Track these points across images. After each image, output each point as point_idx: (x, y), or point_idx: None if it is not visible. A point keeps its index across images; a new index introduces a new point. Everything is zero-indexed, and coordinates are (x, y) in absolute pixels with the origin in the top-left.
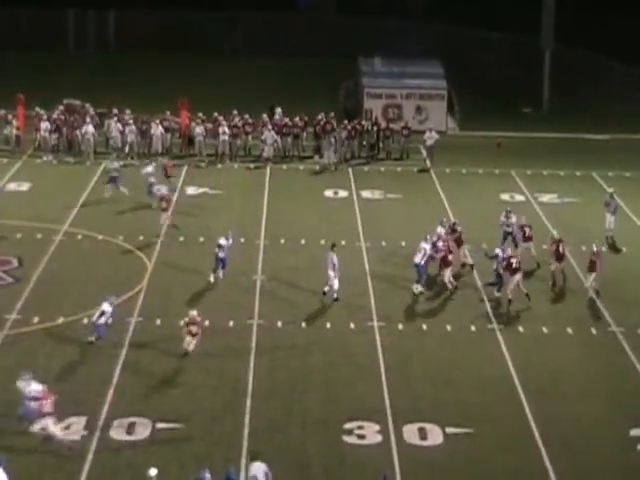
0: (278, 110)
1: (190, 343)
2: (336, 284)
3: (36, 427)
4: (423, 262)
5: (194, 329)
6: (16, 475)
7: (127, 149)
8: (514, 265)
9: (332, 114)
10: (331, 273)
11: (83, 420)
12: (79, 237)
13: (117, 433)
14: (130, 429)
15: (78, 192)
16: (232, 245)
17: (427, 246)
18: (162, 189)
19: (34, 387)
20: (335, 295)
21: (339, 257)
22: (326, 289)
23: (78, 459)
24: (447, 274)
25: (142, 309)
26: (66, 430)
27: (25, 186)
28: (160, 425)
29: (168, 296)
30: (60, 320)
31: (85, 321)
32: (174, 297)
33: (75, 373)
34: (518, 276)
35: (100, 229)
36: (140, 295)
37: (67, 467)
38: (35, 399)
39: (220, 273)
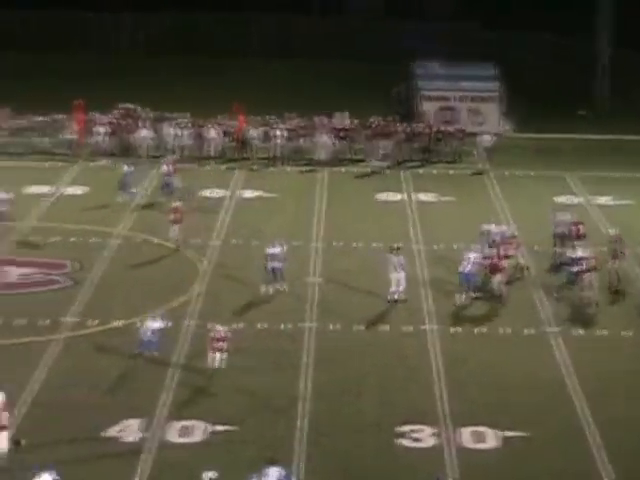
0: (345, 114)
1: (214, 359)
2: (403, 285)
3: None
4: (468, 270)
5: (220, 345)
6: (69, 479)
7: (181, 153)
8: (587, 265)
9: (390, 118)
10: (395, 276)
11: (139, 422)
12: (135, 241)
13: (172, 435)
14: (185, 431)
15: (134, 196)
16: (285, 251)
17: (472, 255)
18: (176, 200)
19: None
20: (397, 297)
21: (398, 259)
22: (396, 296)
23: (133, 462)
24: (497, 280)
25: (196, 313)
26: (122, 432)
27: (82, 190)
28: (215, 428)
29: (222, 299)
30: (117, 323)
31: (138, 325)
32: (228, 300)
33: (131, 375)
34: (591, 276)
35: (156, 232)
36: (194, 299)
37: (122, 470)
38: None
39: (282, 285)
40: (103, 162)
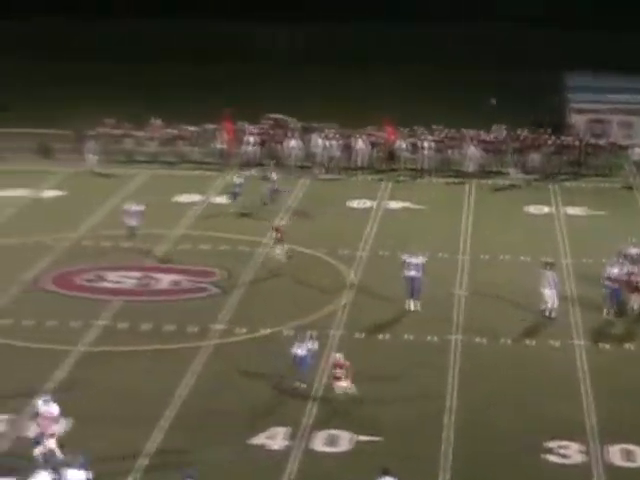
0: (502, 127)
1: (340, 387)
2: (556, 302)
3: (37, 450)
4: (610, 286)
5: (339, 372)
6: None
7: (330, 163)
8: None
9: (541, 129)
10: (547, 292)
11: (285, 430)
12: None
13: (318, 444)
14: (331, 440)
15: (279, 205)
16: (424, 263)
17: (615, 270)
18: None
19: (51, 409)
20: (554, 314)
21: (552, 275)
22: (547, 313)
23: (279, 470)
24: (635, 297)
25: (342, 323)
26: (268, 440)
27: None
28: (360, 438)
29: (368, 310)
30: (264, 331)
31: (285, 333)
32: (374, 311)
33: (278, 383)
34: None
35: (304, 242)
36: (341, 309)
37: (267, 477)
38: (45, 419)
39: (412, 304)
40: (252, 172)
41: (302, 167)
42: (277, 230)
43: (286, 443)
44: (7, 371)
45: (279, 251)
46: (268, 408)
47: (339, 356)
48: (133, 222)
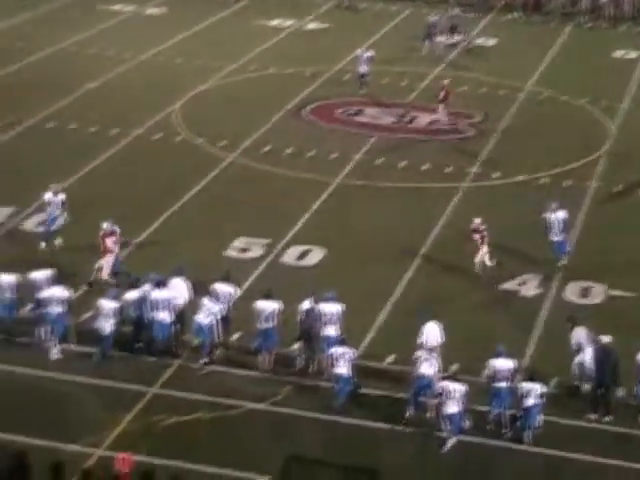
0: None
1: (480, 257)
2: None
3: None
4: None
5: (477, 237)
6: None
7: (596, 12)
8: None
9: None
10: None
11: (539, 278)
12: (542, 96)
13: (571, 295)
14: (585, 292)
15: (542, 51)
16: None
17: None
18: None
19: (114, 230)
20: None
21: None
22: None
23: (530, 317)
24: None
25: (599, 176)
26: (522, 285)
27: (491, 42)
28: (613, 292)
29: (626, 164)
30: (519, 177)
31: (540, 181)
32: (632, 166)
33: (532, 232)
34: None
35: (566, 90)
36: (599, 161)
37: (519, 323)
38: (109, 239)
39: None
40: (514, 15)
41: (566, 14)
42: (443, 89)
43: (539, 291)
44: (266, 197)
45: (442, 108)
46: (521, 255)
47: (478, 221)
48: (364, 68)
